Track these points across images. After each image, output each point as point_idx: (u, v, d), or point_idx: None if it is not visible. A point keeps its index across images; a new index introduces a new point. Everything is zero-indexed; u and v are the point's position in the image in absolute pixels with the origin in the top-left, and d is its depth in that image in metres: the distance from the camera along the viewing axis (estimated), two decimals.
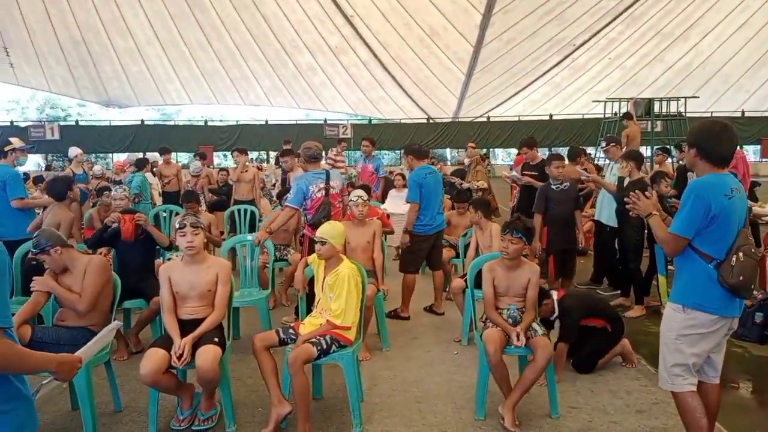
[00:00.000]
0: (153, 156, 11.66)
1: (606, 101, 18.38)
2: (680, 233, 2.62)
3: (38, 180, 9.93)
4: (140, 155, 13.41)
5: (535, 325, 3.52)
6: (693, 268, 2.66)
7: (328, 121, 26.39)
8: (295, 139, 19.24)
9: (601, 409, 3.59)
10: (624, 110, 17.15)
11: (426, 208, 5.45)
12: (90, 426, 3.26)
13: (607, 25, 22.14)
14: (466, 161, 10.71)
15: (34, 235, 3.61)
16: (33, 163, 25.99)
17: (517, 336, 3.39)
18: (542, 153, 8.30)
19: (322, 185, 4.94)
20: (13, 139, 5.81)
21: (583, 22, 21.25)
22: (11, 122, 26.36)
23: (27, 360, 1.74)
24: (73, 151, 9.18)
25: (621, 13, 21.46)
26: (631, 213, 2.93)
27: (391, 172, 9.51)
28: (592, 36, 22.72)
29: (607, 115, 18.19)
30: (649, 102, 16.79)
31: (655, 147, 9.61)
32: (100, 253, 5.00)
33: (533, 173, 6.53)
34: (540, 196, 5.78)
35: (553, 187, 5.70)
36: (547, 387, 3.51)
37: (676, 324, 2.70)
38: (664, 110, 17.20)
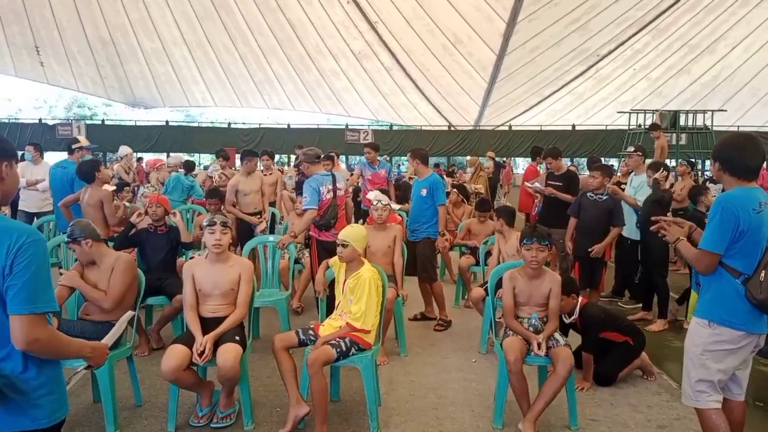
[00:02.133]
0: (178, 157, 11.75)
1: (631, 112, 18.17)
2: (710, 249, 2.57)
3: None
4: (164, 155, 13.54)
5: (557, 335, 3.49)
6: (720, 283, 2.61)
7: (350, 126, 26.51)
8: (316, 142, 19.30)
9: (621, 423, 3.55)
10: (649, 122, 16.96)
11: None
12: (111, 419, 3.31)
13: (633, 35, 21.91)
14: (469, 169, 10.97)
15: (70, 224, 3.69)
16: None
17: (539, 345, 3.37)
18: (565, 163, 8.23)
19: (330, 186, 4.98)
20: (80, 138, 6.38)
21: (609, 32, 21.07)
22: (40, 120, 26.89)
23: (68, 346, 1.80)
24: (124, 150, 9.27)
25: (647, 24, 21.23)
26: (660, 235, 2.88)
27: (411, 178, 9.51)
28: (617, 46, 22.51)
29: (631, 127, 17.98)
30: (675, 114, 16.52)
31: (680, 159, 9.45)
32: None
33: (558, 184, 6.36)
34: (575, 202, 5.76)
35: (588, 195, 5.63)
36: (567, 398, 3.47)
37: (702, 339, 2.65)
38: (690, 123, 16.93)
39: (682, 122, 16.80)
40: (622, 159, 13.07)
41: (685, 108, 18.68)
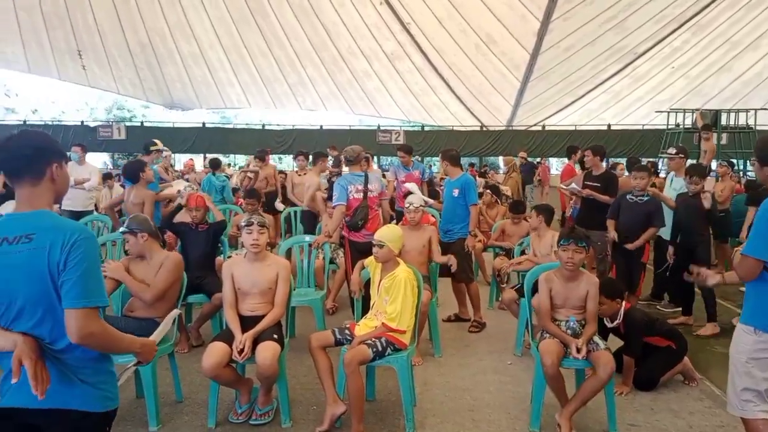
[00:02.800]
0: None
1: (669, 111, 17.75)
2: (755, 255, 2.48)
3: (107, 177, 10.34)
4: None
5: (596, 339, 3.44)
6: (765, 288, 2.54)
7: (381, 127, 26.57)
8: (348, 143, 19.40)
9: (662, 429, 3.48)
10: (688, 121, 16.54)
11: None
12: (154, 414, 3.40)
13: (671, 33, 21.40)
14: (503, 168, 10.82)
15: (129, 217, 3.83)
16: (100, 161, 27.32)
17: (578, 348, 3.33)
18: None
19: (360, 187, 5.00)
20: (157, 141, 7.00)
21: (647, 29, 20.62)
22: (82, 122, 27.72)
23: (120, 341, 1.88)
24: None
25: (687, 21, 20.71)
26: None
27: (442, 179, 9.47)
28: (655, 44, 22.01)
29: (669, 126, 17.56)
30: (716, 113, 16.05)
31: (720, 160, 9.18)
32: (169, 244, 5.24)
33: (595, 185, 6.13)
34: (614, 204, 5.63)
35: (628, 197, 5.48)
36: (606, 402, 3.42)
37: (747, 346, 2.58)
38: (731, 122, 16.45)
39: (723, 121, 16.35)
40: (662, 159, 12.75)
41: (725, 107, 18.17)
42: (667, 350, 4.06)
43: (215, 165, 9.34)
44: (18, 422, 1.80)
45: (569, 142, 23.37)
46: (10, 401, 1.78)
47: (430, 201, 5.85)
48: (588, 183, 6.23)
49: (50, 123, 28.29)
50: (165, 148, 7.09)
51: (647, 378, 4.01)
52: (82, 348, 1.76)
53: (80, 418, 1.80)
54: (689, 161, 6.59)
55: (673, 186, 6.10)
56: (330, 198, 5.71)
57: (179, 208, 5.14)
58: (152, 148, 6.97)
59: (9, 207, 4.27)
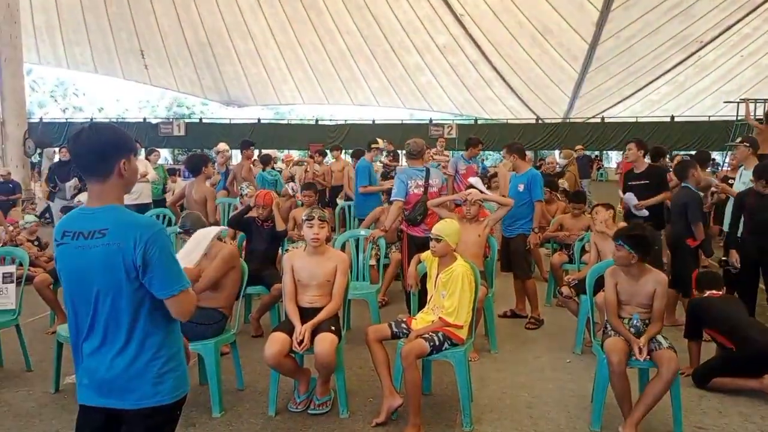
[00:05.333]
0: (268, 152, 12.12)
1: (740, 102, 16.85)
2: None
3: (171, 172, 10.72)
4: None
5: (659, 338, 3.31)
6: None
7: (433, 121, 26.43)
8: (400, 138, 19.38)
9: None
10: (760, 112, 15.66)
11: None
12: (217, 401, 3.51)
13: (740, 20, 20.34)
14: (562, 161, 10.47)
15: (182, 215, 3.95)
16: (161, 158, 28.32)
17: (640, 349, 3.22)
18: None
19: (421, 182, 4.98)
20: (379, 140, 7.87)
21: (714, 17, 19.67)
22: (144, 119, 28.84)
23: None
24: (221, 146, 9.65)
25: (757, 7, 19.63)
26: None
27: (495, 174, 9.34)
28: (722, 32, 20.96)
29: (740, 117, 16.69)
30: None
31: None
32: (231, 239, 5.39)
33: (642, 182, 5.60)
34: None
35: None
36: (672, 404, 3.30)
37: None
38: None
39: None
40: (726, 153, 12.14)
41: None
42: (729, 352, 3.87)
43: (266, 161, 9.48)
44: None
45: (630, 135, 22.65)
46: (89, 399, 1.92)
47: (494, 196, 5.58)
48: (632, 183, 5.71)
49: (115, 120, 29.56)
50: (383, 148, 7.78)
51: (700, 373, 3.93)
52: (136, 346, 1.86)
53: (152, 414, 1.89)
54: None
55: (743, 179, 5.78)
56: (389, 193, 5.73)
57: (248, 208, 5.24)
58: (373, 145, 7.62)
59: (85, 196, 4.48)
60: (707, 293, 4.17)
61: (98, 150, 1.84)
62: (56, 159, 10.22)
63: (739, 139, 5.98)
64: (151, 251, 1.80)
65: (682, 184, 5.05)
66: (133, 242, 1.79)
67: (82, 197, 4.84)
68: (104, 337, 1.86)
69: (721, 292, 4.19)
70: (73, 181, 8.11)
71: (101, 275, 1.81)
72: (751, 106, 15.20)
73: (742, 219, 4.98)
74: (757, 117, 10.69)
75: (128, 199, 7.66)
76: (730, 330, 3.88)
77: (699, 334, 4.12)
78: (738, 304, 4.25)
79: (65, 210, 6.55)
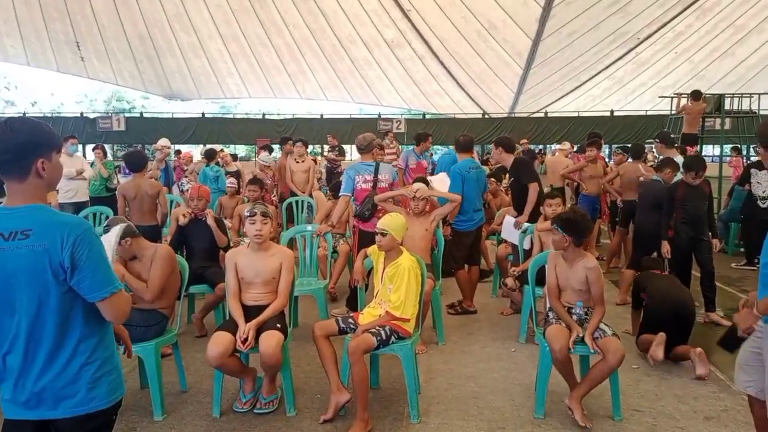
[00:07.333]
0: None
1: (673, 97, 17.61)
2: None
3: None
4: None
5: (602, 326, 3.42)
6: None
7: (382, 116, 26.46)
8: (349, 133, 19.33)
9: (666, 414, 3.48)
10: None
11: (467, 203, 5.28)
12: (159, 404, 3.41)
13: (675, 17, 21.20)
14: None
15: (106, 223, 3.77)
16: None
17: (582, 339, 3.32)
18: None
19: (369, 177, 4.96)
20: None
21: (650, 14, 20.42)
22: (81, 113, 27.65)
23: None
24: (161, 142, 9.27)
25: (690, 5, 20.50)
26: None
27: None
28: (658, 28, 21.81)
29: (673, 111, 17.45)
30: (720, 98, 15.92)
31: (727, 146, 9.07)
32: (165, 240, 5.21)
33: (511, 179, 5.86)
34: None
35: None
36: (611, 388, 3.42)
37: None
38: (734, 107, 16.31)
39: (726, 106, 16.23)
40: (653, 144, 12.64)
41: (729, 92, 18.03)
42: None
43: (210, 156, 9.30)
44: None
45: (572, 129, 23.34)
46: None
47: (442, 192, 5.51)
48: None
49: (49, 115, 28.21)
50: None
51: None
52: (71, 349, 1.79)
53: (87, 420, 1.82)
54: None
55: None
56: (336, 189, 5.64)
57: (180, 228, 5.00)
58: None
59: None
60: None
61: (13, 148, 1.72)
62: None
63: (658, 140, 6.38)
64: (80, 252, 1.71)
65: (654, 178, 5.45)
66: (60, 242, 1.69)
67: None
68: (30, 349, 1.76)
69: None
70: None
71: (26, 279, 1.71)
72: (683, 100, 15.94)
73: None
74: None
75: (64, 197, 7.39)
76: (654, 290, 4.34)
77: (640, 303, 4.55)
78: (672, 279, 4.65)
79: None
